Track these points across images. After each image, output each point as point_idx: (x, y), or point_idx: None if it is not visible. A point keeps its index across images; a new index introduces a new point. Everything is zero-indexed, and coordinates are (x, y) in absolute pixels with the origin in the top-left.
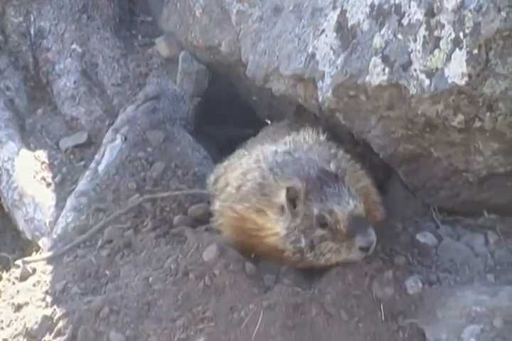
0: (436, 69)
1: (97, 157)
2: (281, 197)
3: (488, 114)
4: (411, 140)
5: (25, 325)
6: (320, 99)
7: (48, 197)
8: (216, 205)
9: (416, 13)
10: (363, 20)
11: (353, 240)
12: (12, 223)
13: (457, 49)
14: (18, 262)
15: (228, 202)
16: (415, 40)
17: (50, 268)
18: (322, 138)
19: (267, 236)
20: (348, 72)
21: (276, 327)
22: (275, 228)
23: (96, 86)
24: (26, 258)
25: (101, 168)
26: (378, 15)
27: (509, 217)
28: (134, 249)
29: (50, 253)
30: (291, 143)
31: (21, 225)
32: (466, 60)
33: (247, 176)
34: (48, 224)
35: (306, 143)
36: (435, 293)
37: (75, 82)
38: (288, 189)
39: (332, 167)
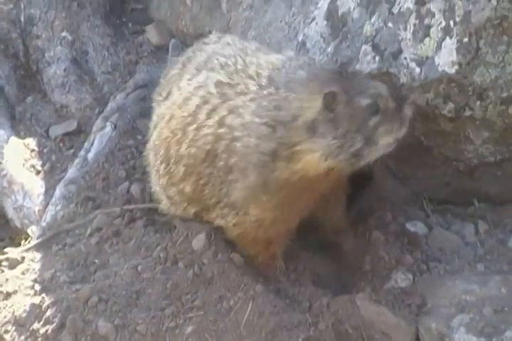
0: (427, 57)
1: (86, 145)
2: (313, 111)
3: (478, 102)
4: None
5: (13, 313)
6: None
7: (37, 185)
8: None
9: (406, 2)
10: (354, 8)
11: (402, 113)
12: (1, 211)
13: (447, 37)
14: (7, 250)
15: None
16: (405, 29)
17: (38, 256)
18: None
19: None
20: (339, 61)
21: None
22: (314, 154)
23: (86, 74)
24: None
25: (90, 156)
26: (369, 4)
27: (499, 206)
28: (123, 237)
29: (38, 241)
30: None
31: (10, 213)
32: (457, 49)
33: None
34: (37, 212)
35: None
36: (426, 283)
37: (65, 70)
38: (325, 95)
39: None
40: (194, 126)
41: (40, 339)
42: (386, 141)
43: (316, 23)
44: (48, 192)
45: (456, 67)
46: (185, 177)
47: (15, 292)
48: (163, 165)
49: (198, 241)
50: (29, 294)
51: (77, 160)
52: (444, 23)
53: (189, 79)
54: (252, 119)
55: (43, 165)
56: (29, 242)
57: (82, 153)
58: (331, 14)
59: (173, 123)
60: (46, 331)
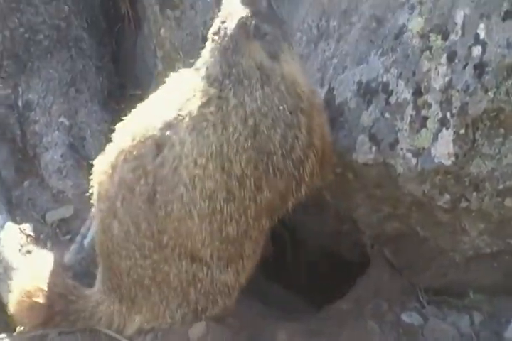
0: (423, 148)
1: (82, 230)
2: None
3: (474, 194)
4: (397, 219)
5: None
6: None
7: None
8: None
9: (404, 92)
10: (351, 98)
11: None
12: None
13: (444, 129)
14: (2, 336)
15: None
16: (402, 119)
17: None
18: None
19: None
20: (336, 151)
21: None
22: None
23: (83, 159)
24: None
25: (87, 241)
26: (366, 94)
27: (495, 298)
28: None
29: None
30: None
31: (6, 298)
32: (453, 140)
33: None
34: None
35: None
36: None
37: (62, 155)
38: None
39: None
40: None
41: None
42: None
43: None
44: None
45: (452, 158)
46: None
47: None
48: None
49: (196, 330)
50: None
51: (73, 246)
52: (440, 115)
53: None
54: None
55: None
56: (25, 328)
57: (78, 238)
58: (328, 104)
59: None
60: None
